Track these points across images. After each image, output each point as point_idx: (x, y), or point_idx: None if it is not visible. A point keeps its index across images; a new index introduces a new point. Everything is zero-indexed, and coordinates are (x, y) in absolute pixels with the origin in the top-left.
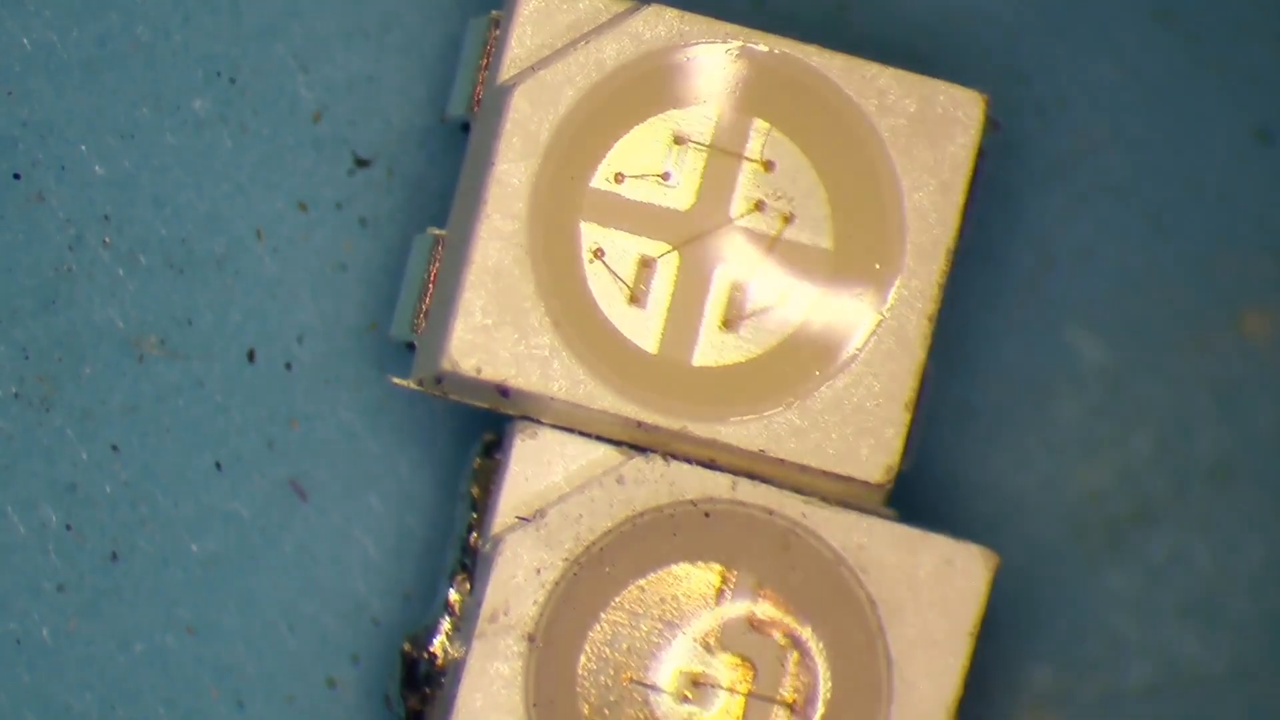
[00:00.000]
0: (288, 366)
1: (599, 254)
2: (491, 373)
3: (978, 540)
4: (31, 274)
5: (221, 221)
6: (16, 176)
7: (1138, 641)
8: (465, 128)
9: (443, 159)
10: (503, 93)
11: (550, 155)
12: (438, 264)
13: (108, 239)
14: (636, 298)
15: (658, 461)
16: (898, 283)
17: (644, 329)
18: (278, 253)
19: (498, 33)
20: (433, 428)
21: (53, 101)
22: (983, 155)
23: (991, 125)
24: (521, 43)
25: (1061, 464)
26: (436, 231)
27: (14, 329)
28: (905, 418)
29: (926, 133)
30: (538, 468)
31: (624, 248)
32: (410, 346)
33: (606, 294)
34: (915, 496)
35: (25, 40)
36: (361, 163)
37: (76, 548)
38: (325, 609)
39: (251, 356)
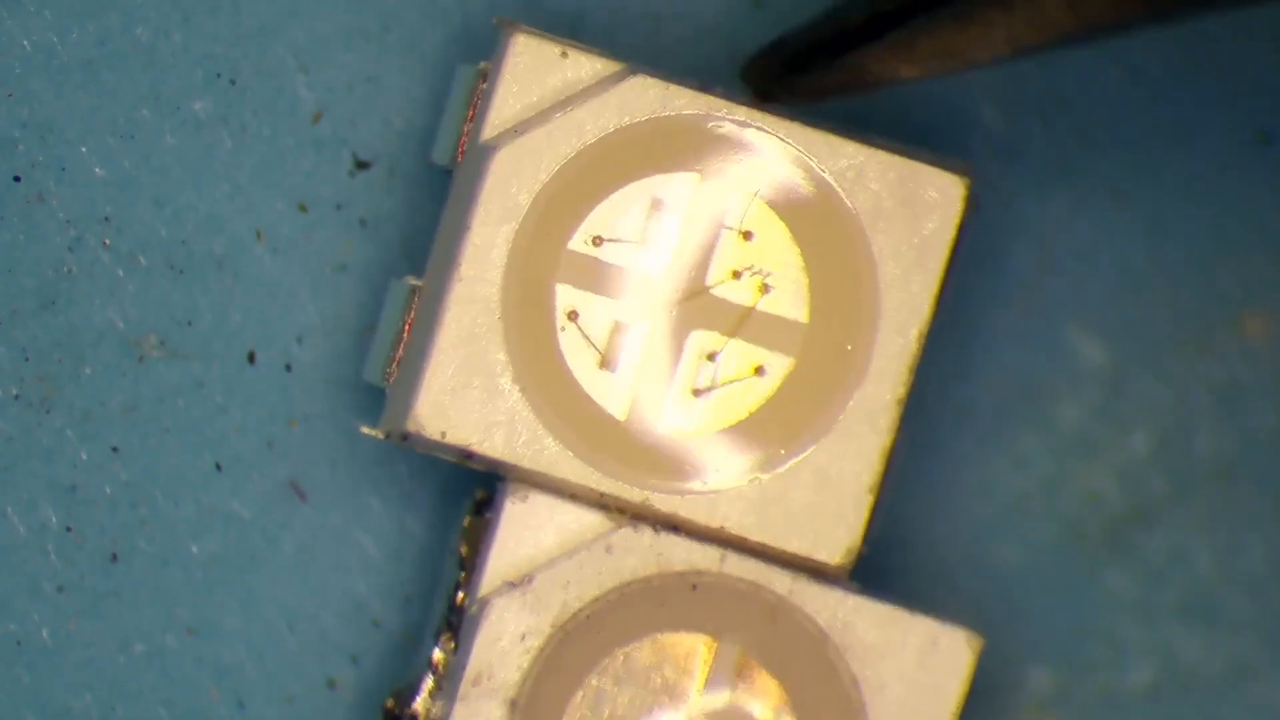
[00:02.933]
0: (288, 367)
1: (573, 317)
2: (456, 437)
3: (978, 540)
4: (32, 275)
5: (221, 222)
6: (17, 178)
7: (1137, 642)
8: (448, 173)
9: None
10: (485, 153)
11: (529, 218)
12: (413, 314)
13: (108, 240)
14: (608, 362)
15: (646, 531)
16: (869, 364)
17: (613, 394)
18: (278, 253)
19: (484, 85)
20: None
21: (53, 102)
22: (964, 232)
23: (973, 204)
24: (506, 101)
25: (1061, 465)
26: (413, 281)
27: (14, 330)
28: (869, 500)
29: (905, 215)
30: (527, 532)
31: (599, 311)
32: (383, 392)
33: (578, 358)
34: (916, 497)
35: (25, 41)
36: (361, 164)
37: (76, 548)
38: (325, 610)
39: (251, 357)
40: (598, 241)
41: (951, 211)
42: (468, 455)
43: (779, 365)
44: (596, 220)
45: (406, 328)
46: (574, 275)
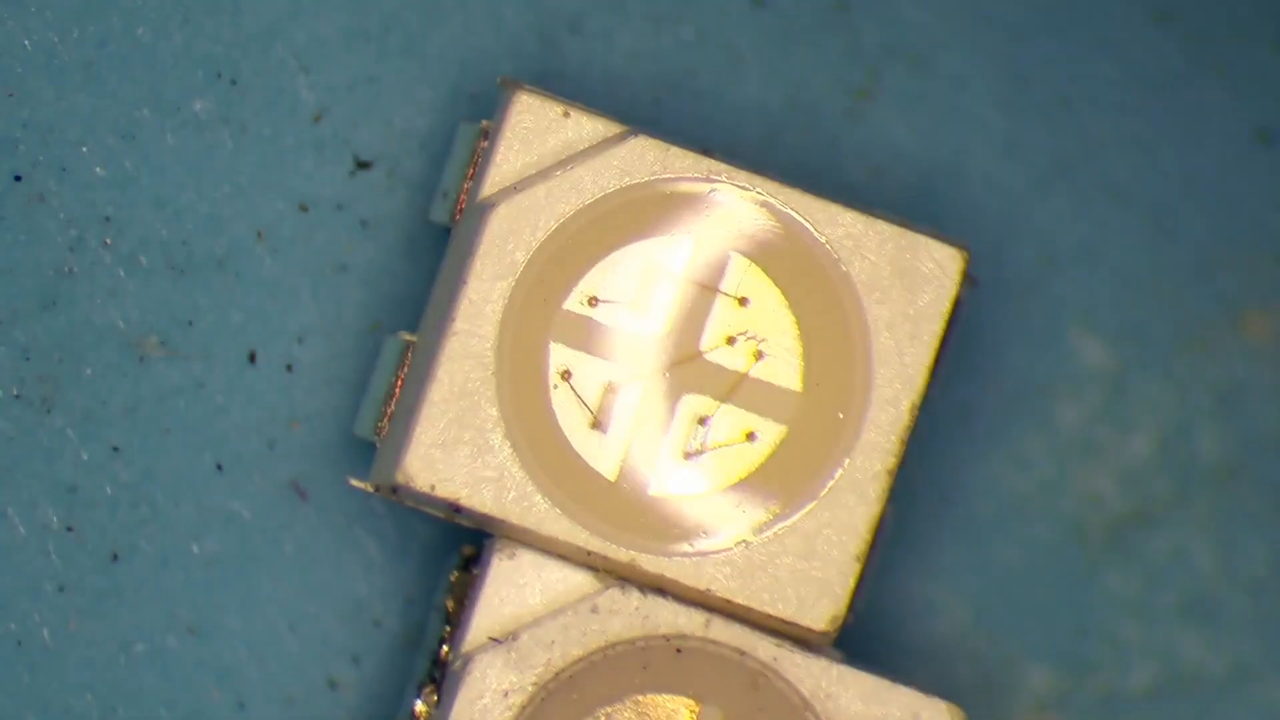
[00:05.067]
0: (288, 368)
1: (566, 376)
2: (446, 491)
3: (978, 543)
4: (32, 275)
5: (222, 223)
6: (17, 178)
7: (1138, 643)
8: (446, 231)
9: (445, 161)
10: (482, 210)
11: (525, 276)
12: (405, 369)
13: (108, 240)
14: (600, 423)
15: (633, 593)
16: (861, 434)
17: (604, 455)
18: (278, 254)
19: (485, 143)
20: None
21: (54, 103)
22: (960, 307)
23: (970, 281)
24: (507, 159)
25: (1062, 465)
26: (407, 336)
27: (15, 330)
28: (856, 569)
29: (901, 286)
30: (514, 589)
31: (592, 371)
32: (373, 445)
33: (570, 417)
34: (916, 498)
35: (26, 42)
36: (362, 164)
37: (77, 548)
38: (326, 610)
39: (252, 357)
40: (593, 302)
41: (948, 284)
42: (456, 509)
43: (770, 432)
44: (592, 280)
45: (399, 383)
46: (568, 335)
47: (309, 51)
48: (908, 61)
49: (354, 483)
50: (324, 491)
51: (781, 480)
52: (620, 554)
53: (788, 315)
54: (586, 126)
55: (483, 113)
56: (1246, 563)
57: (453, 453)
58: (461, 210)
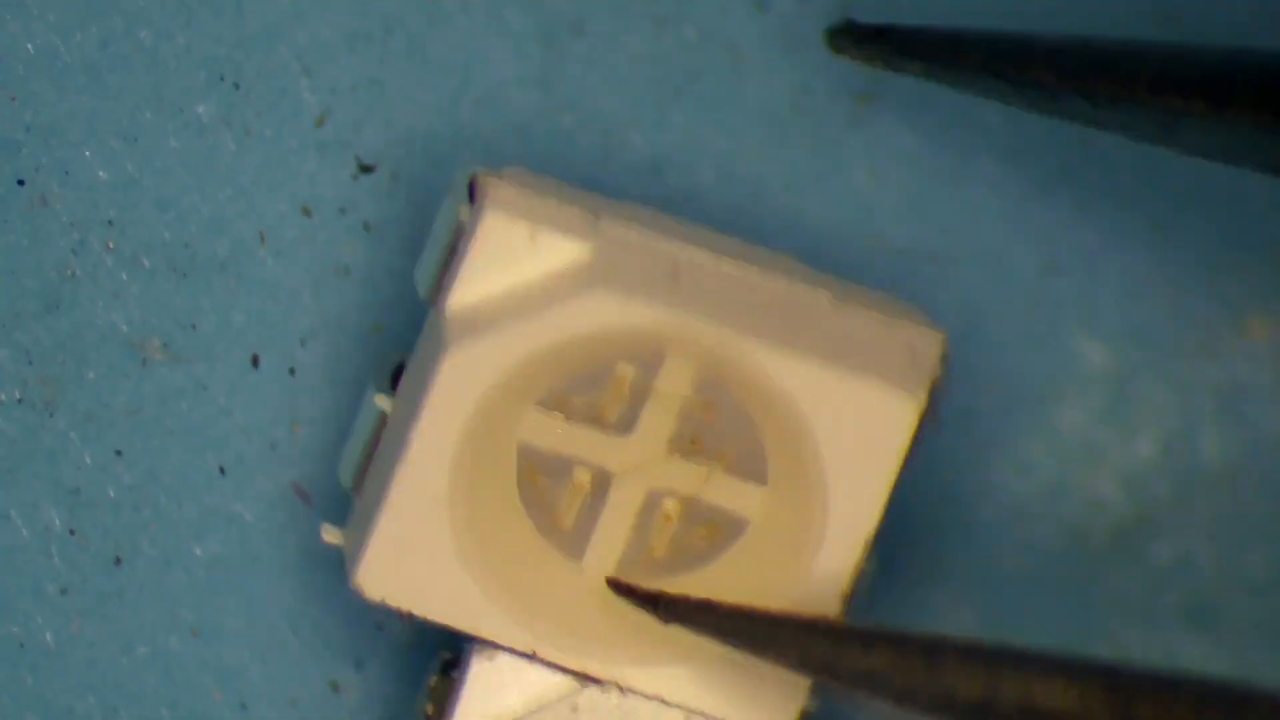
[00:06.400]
0: (291, 370)
1: (531, 477)
2: (398, 602)
3: (980, 547)
4: (35, 278)
5: (224, 225)
6: (21, 181)
7: (1140, 646)
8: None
9: (446, 162)
10: (442, 341)
11: (484, 403)
12: (380, 441)
13: (111, 243)
14: (561, 524)
15: (613, 692)
16: (816, 563)
17: (564, 559)
18: (281, 256)
19: (461, 239)
20: None
21: (56, 105)
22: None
23: (931, 414)
24: (472, 280)
25: (1064, 469)
26: (383, 403)
27: (18, 332)
28: (807, 686)
29: (857, 431)
30: (493, 692)
31: (557, 472)
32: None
33: (532, 518)
34: (918, 502)
35: (29, 44)
36: (365, 167)
37: (80, 551)
38: (328, 612)
39: (255, 360)
40: (561, 408)
41: (903, 429)
42: (410, 618)
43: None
44: (559, 389)
45: (374, 450)
46: (536, 435)
47: (311, 54)
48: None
49: (327, 538)
50: (326, 494)
51: (747, 588)
52: (572, 662)
53: (754, 437)
54: (552, 254)
55: (485, 113)
56: (1248, 566)
57: (405, 566)
58: (435, 302)
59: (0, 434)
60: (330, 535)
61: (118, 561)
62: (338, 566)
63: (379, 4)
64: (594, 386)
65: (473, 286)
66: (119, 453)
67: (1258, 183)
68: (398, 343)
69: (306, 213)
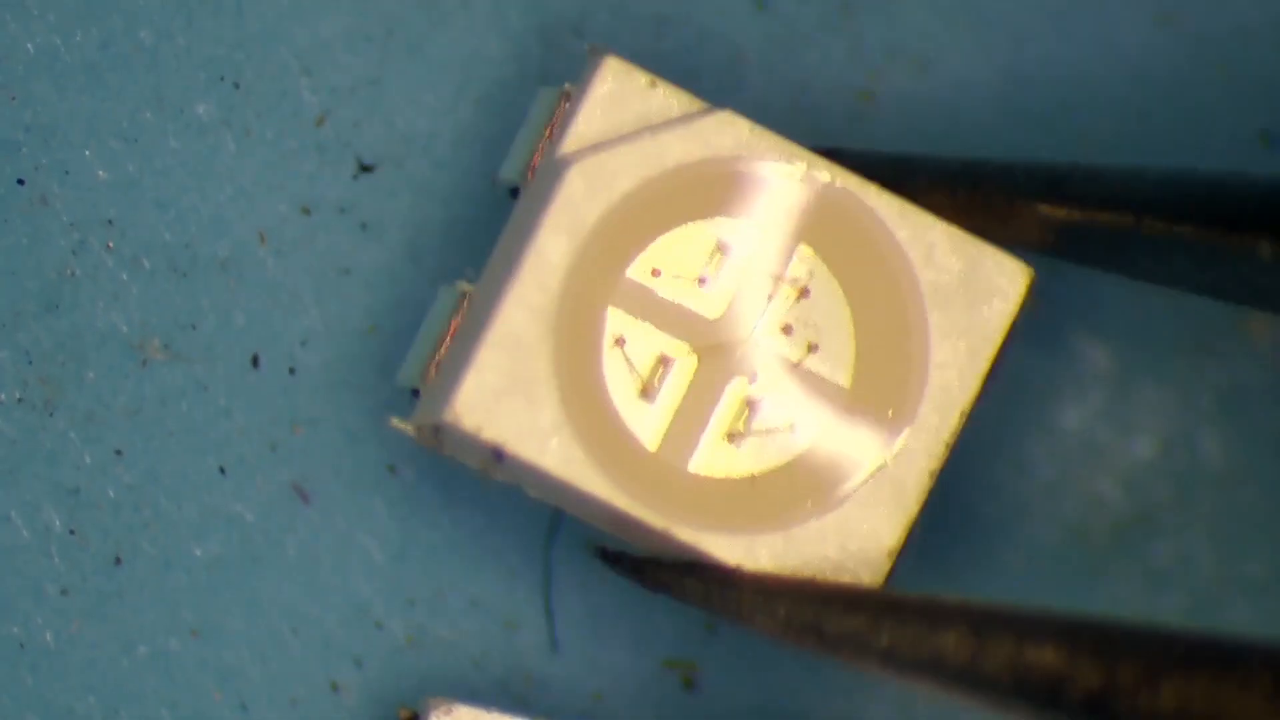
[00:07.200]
0: (291, 370)
1: (620, 342)
2: (491, 434)
3: (980, 546)
4: (35, 278)
5: (225, 225)
6: (20, 181)
7: None
8: (513, 192)
9: (448, 163)
10: (560, 166)
11: (594, 237)
12: (459, 318)
13: (111, 243)
14: (648, 392)
15: None
16: (906, 433)
17: (648, 425)
18: (281, 256)
19: (566, 105)
20: None
21: (56, 105)
22: (1017, 328)
23: (1034, 301)
24: (589, 122)
25: (1064, 468)
26: (465, 286)
27: (17, 333)
28: (887, 565)
29: (966, 294)
30: None
31: (646, 341)
32: (415, 393)
33: (619, 383)
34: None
35: (28, 44)
36: (365, 167)
37: (79, 551)
38: (328, 612)
39: (255, 360)
40: (656, 273)
41: (1012, 298)
42: (499, 455)
43: (814, 424)
44: (658, 251)
45: (451, 331)
46: (628, 302)
47: (311, 54)
48: (910, 64)
49: (395, 423)
50: (327, 494)
51: (822, 471)
52: (656, 522)
53: (847, 311)
54: (671, 99)
55: (484, 115)
56: (1249, 567)
57: (502, 398)
58: (534, 170)
59: (0, 434)
60: (399, 421)
61: (118, 562)
62: (338, 566)
63: (379, 4)
64: (693, 257)
65: (590, 127)
66: (119, 453)
67: None
68: (398, 343)
69: (306, 213)
